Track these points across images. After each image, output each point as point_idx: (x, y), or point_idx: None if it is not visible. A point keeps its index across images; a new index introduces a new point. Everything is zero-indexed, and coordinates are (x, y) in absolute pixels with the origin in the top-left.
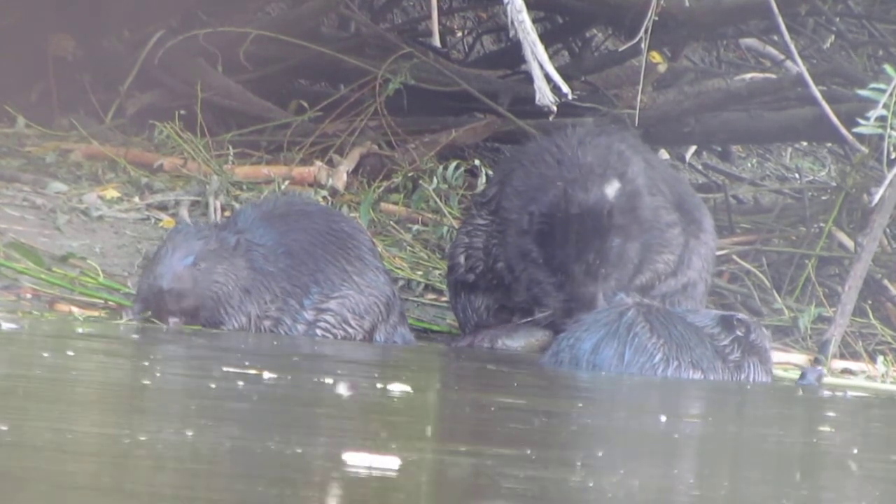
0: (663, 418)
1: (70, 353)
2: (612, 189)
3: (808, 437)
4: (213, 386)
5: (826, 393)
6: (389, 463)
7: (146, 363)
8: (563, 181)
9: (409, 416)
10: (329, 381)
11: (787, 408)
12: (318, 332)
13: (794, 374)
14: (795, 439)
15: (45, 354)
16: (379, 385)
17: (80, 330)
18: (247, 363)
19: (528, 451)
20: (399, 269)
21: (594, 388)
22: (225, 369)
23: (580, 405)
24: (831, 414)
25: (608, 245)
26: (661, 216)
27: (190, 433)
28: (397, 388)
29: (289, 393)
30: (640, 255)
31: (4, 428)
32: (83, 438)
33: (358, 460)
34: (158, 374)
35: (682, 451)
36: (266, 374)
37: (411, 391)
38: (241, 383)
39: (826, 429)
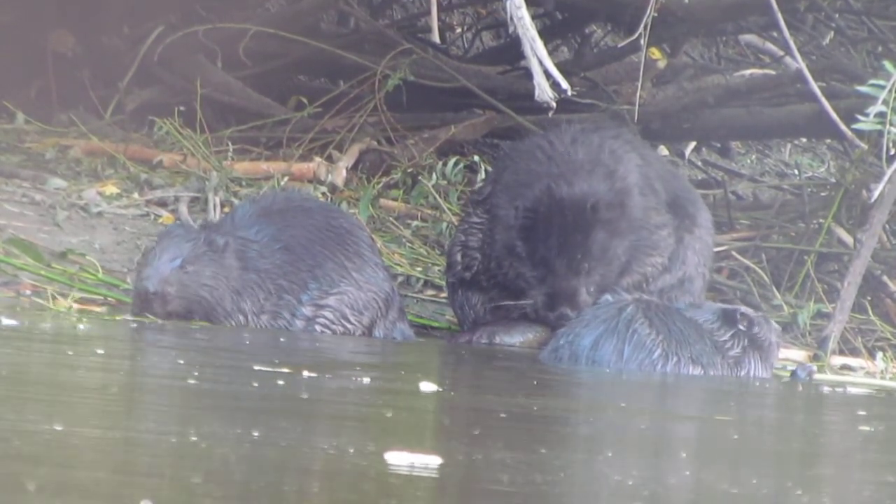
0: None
1: (100, 350)
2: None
3: (856, 438)
4: (255, 385)
5: (825, 389)
6: (431, 462)
7: (181, 362)
8: (549, 176)
9: (447, 415)
10: (367, 380)
11: (816, 408)
12: (317, 328)
13: (788, 372)
14: (847, 441)
15: (70, 352)
16: (410, 384)
17: (80, 326)
18: (276, 361)
19: (577, 453)
20: (398, 265)
21: (622, 387)
22: (256, 368)
23: (623, 405)
24: (862, 413)
25: (591, 239)
26: (652, 217)
27: (257, 433)
28: (427, 386)
29: (328, 392)
30: (628, 254)
31: (59, 428)
32: (158, 440)
33: (400, 459)
34: (197, 374)
35: (742, 453)
36: (305, 373)
37: (441, 390)
38: (280, 382)
39: (866, 428)
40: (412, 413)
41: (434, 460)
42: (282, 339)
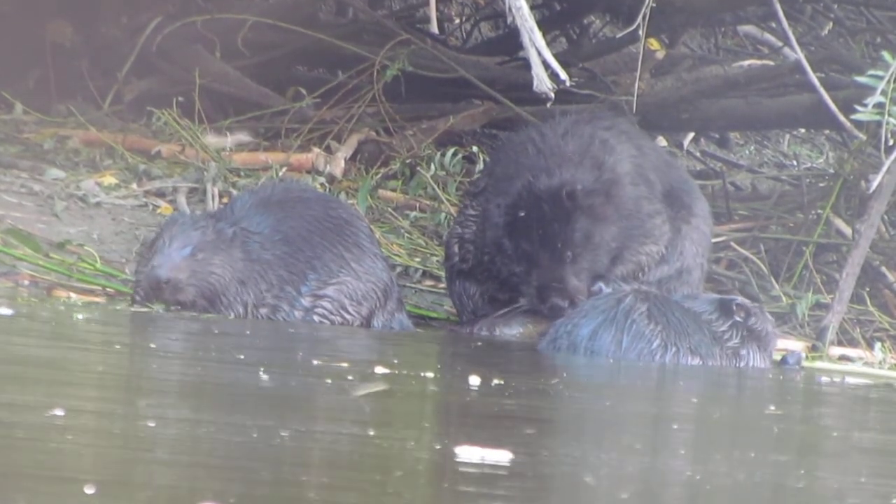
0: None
1: (152, 345)
2: None
3: None
4: (329, 381)
5: (824, 379)
6: (501, 457)
7: (241, 357)
8: (532, 170)
9: (504, 409)
10: (430, 374)
11: (843, 403)
12: (316, 318)
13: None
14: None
15: (118, 346)
16: (460, 379)
17: (79, 315)
18: (304, 356)
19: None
20: (397, 255)
21: (651, 382)
22: (315, 363)
23: (694, 400)
24: None
25: (571, 227)
26: (643, 206)
27: (343, 431)
28: (475, 380)
29: (392, 389)
30: (618, 241)
31: (152, 424)
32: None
33: (470, 454)
34: (263, 370)
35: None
36: (378, 369)
37: (493, 384)
38: (350, 377)
39: None
40: (472, 407)
41: (504, 455)
42: (291, 331)
